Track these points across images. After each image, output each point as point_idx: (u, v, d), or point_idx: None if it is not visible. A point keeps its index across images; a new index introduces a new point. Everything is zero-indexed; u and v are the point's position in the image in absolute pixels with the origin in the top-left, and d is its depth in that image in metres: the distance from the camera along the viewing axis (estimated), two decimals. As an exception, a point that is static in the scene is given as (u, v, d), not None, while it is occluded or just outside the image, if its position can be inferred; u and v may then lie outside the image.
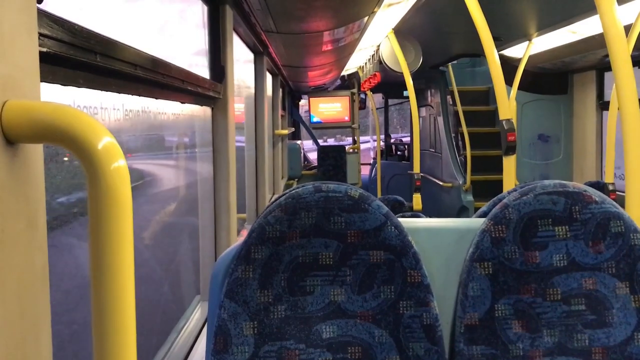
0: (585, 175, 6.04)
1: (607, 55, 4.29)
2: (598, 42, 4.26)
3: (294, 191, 1.21)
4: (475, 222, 1.29)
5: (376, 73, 5.84)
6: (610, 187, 3.98)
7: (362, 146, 10.08)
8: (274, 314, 1.17)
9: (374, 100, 9.43)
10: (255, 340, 1.16)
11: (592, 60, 5.30)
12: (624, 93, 2.01)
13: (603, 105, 5.75)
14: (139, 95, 1.35)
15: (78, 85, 0.96)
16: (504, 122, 3.02)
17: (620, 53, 2.02)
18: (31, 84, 0.67)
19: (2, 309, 0.59)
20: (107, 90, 1.13)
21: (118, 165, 0.60)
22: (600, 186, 4.07)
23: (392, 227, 1.20)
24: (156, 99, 1.51)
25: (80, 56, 0.91)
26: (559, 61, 5.54)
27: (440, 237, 1.30)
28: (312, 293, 1.19)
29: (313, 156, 10.45)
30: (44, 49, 0.77)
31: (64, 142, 0.60)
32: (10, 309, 0.60)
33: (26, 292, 0.64)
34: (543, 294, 1.23)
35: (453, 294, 1.26)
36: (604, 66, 5.57)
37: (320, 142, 10.91)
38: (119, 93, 1.21)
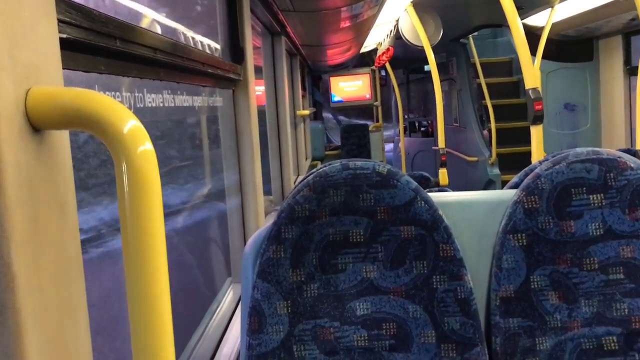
0: (615, 143, 5.91)
1: (634, 19, 4.16)
2: (623, 5, 4.13)
3: (321, 170, 1.20)
4: (506, 194, 1.27)
5: (389, 47, 5.75)
6: None
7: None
8: (307, 293, 1.17)
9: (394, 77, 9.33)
10: (289, 319, 1.16)
11: (618, 24, 5.15)
12: None
13: (631, 70, 5.60)
14: (160, 80, 1.34)
15: (99, 71, 0.95)
16: (530, 91, 2.95)
17: None
18: (53, 70, 0.67)
19: (39, 296, 0.59)
20: (128, 76, 1.13)
21: (145, 149, 0.59)
22: (632, 153, 3.97)
23: (422, 202, 1.18)
24: (177, 82, 1.51)
25: (100, 41, 0.90)
26: (583, 27, 5.39)
27: (471, 210, 1.28)
28: (344, 271, 1.19)
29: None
30: (64, 35, 0.77)
31: (89, 127, 0.59)
32: (47, 295, 0.60)
33: (62, 279, 0.64)
34: (579, 263, 1.20)
35: (487, 267, 1.24)
36: (630, 30, 5.40)
37: None
38: (141, 78, 1.20)
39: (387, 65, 7.49)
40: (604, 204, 1.20)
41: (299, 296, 1.17)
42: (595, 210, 1.20)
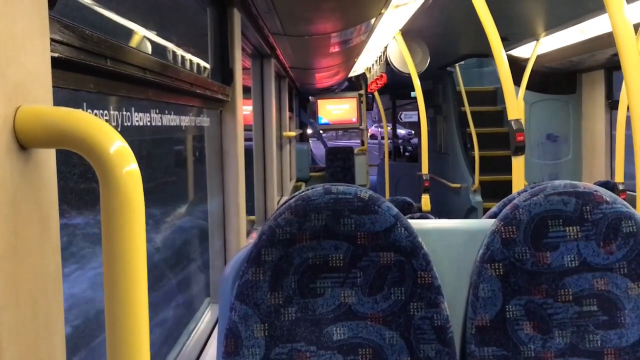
0: (595, 175, 6.01)
1: (616, 54, 4.27)
2: (607, 41, 4.23)
3: (303, 193, 1.21)
4: (485, 223, 1.29)
5: (382, 74, 5.83)
6: (621, 187, 3.96)
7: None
8: (285, 316, 1.17)
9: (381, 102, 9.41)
10: (266, 343, 1.16)
11: (601, 59, 5.27)
12: (634, 91, 2.00)
13: (612, 104, 5.72)
14: (149, 99, 1.35)
15: (89, 89, 0.97)
16: (512, 122, 3.01)
17: (629, 51, 2.01)
18: (43, 89, 0.68)
19: (16, 311, 0.59)
20: (117, 95, 1.14)
21: (130, 169, 0.60)
22: (610, 186, 4.04)
23: (402, 229, 1.20)
24: (165, 102, 1.52)
25: (91, 61, 0.92)
26: (567, 61, 5.51)
27: (450, 238, 1.30)
28: (323, 295, 1.19)
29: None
30: (56, 54, 0.78)
31: (76, 146, 0.60)
32: (24, 311, 0.61)
33: (40, 295, 0.64)
34: (554, 294, 1.22)
35: (464, 295, 1.26)
36: (613, 65, 5.53)
37: None
38: (129, 97, 1.21)
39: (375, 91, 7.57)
40: (579, 236, 1.23)
41: (277, 319, 1.17)
42: (571, 242, 1.23)
